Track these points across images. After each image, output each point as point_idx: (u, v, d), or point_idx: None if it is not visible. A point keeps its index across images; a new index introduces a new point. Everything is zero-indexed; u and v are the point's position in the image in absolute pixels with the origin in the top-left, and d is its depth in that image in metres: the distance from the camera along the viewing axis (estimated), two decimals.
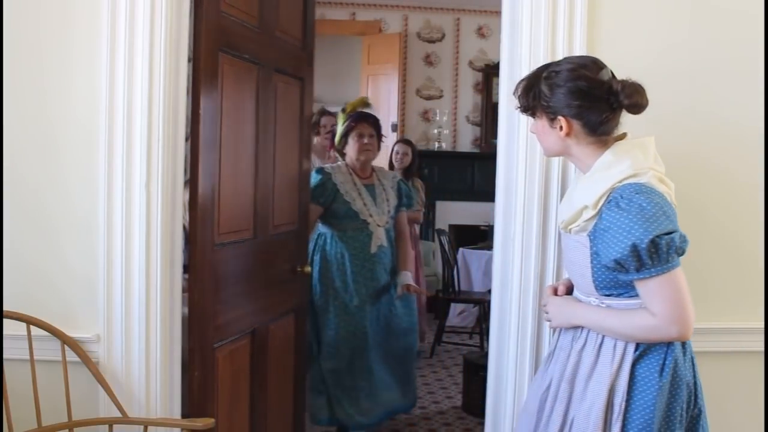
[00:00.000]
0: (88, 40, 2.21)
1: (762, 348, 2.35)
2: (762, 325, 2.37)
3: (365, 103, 3.77)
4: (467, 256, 6.28)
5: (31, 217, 2.26)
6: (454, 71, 7.72)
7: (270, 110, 2.74)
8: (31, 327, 2.15)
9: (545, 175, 2.28)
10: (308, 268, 3.11)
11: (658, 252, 1.64)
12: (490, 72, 7.52)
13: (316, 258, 3.49)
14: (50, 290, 2.27)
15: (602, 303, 1.80)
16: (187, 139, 2.37)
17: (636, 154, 1.76)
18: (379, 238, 3.50)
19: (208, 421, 2.16)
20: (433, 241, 6.90)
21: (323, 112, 5.01)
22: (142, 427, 2.19)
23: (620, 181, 1.72)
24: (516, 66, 2.29)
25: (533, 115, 1.84)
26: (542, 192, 2.28)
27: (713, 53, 2.34)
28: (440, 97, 7.73)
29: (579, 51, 2.24)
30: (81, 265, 2.26)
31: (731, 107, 2.36)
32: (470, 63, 7.70)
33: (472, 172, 7.63)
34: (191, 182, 2.39)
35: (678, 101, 2.33)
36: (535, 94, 1.80)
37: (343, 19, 7.52)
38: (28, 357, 2.14)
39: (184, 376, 2.39)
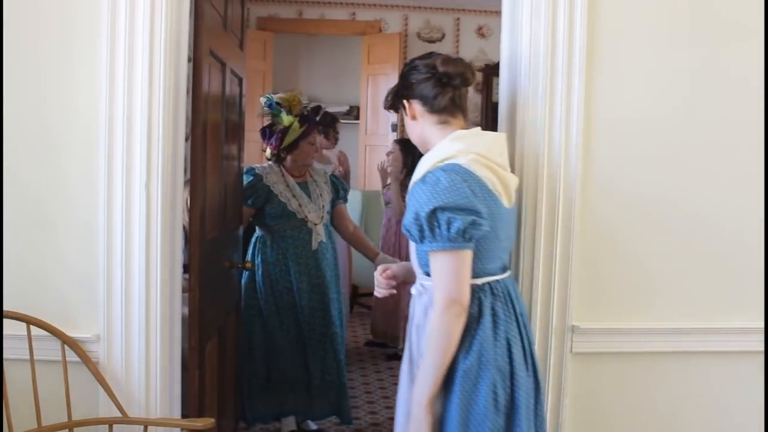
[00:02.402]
0: (88, 40, 2.21)
1: (762, 348, 2.35)
2: (762, 325, 2.36)
3: (299, 99, 3.69)
4: None
5: (31, 217, 2.25)
6: None
7: (227, 110, 2.81)
8: (31, 327, 2.15)
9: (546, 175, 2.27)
10: (249, 263, 3.22)
11: (438, 225, 1.74)
12: (490, 72, 7.50)
13: (258, 261, 3.53)
14: (50, 290, 2.27)
15: (423, 283, 1.91)
16: (187, 139, 2.37)
17: (471, 140, 1.89)
18: (319, 234, 3.54)
19: (208, 421, 2.16)
20: None
21: (335, 119, 5.11)
22: (142, 427, 2.19)
23: (442, 161, 1.84)
24: (516, 66, 2.29)
25: (397, 110, 2.06)
26: (544, 191, 2.28)
27: (713, 53, 2.34)
28: None
29: (579, 51, 2.23)
30: (81, 264, 2.26)
31: (730, 108, 2.36)
32: (470, 63, 7.69)
33: None
34: (191, 182, 2.39)
35: (677, 105, 2.33)
36: (394, 93, 2.04)
37: (343, 19, 7.51)
38: (28, 357, 2.14)
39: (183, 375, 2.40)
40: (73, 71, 2.22)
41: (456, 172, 1.80)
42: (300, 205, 3.50)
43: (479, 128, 1.96)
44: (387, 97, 2.06)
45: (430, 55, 2.02)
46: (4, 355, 2.08)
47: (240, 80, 3.07)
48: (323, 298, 3.53)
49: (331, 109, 6.36)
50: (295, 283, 3.48)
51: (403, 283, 2.18)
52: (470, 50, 7.68)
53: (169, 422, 2.25)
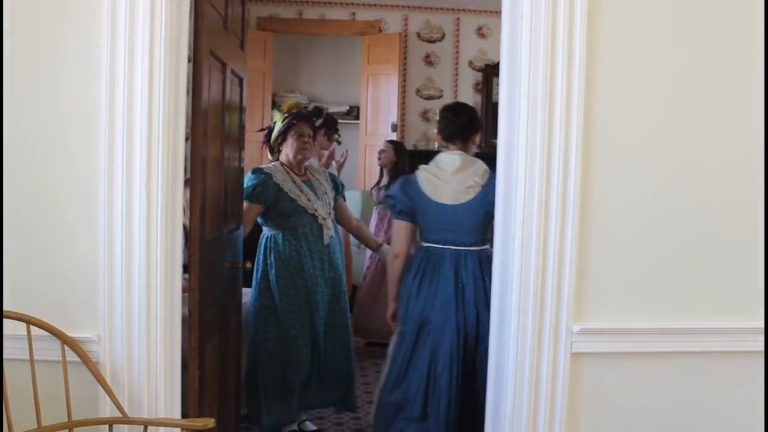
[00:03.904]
0: (89, 39, 2.21)
1: (762, 348, 2.35)
2: (762, 325, 2.37)
3: (301, 106, 3.93)
4: None
5: (32, 217, 2.25)
6: (454, 71, 7.71)
7: (227, 110, 2.81)
8: (31, 327, 2.15)
9: (545, 175, 2.28)
10: (249, 264, 3.26)
11: (388, 205, 3.33)
12: (490, 72, 7.50)
13: (271, 260, 3.56)
14: (50, 290, 2.27)
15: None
16: (187, 139, 2.38)
17: (436, 159, 3.23)
18: (329, 229, 3.66)
19: (207, 421, 2.16)
20: None
21: (335, 121, 5.20)
22: (142, 427, 2.19)
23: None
24: (516, 66, 2.29)
25: None
26: (542, 192, 2.28)
27: (714, 54, 2.34)
28: (440, 97, 7.71)
29: (579, 51, 2.24)
30: (81, 264, 2.26)
31: (731, 109, 2.36)
32: (470, 63, 7.69)
33: None
34: (191, 182, 2.39)
35: (677, 105, 2.33)
36: None
37: (343, 19, 7.51)
38: (28, 357, 2.14)
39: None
40: (72, 71, 2.22)
41: (405, 178, 3.29)
42: (309, 200, 3.58)
43: (458, 151, 3.20)
44: None
45: (454, 103, 3.55)
46: (4, 355, 2.08)
47: (240, 80, 3.07)
48: (335, 290, 3.64)
49: (331, 109, 6.37)
50: (310, 278, 3.55)
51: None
52: (470, 50, 7.69)
53: (169, 422, 2.25)
